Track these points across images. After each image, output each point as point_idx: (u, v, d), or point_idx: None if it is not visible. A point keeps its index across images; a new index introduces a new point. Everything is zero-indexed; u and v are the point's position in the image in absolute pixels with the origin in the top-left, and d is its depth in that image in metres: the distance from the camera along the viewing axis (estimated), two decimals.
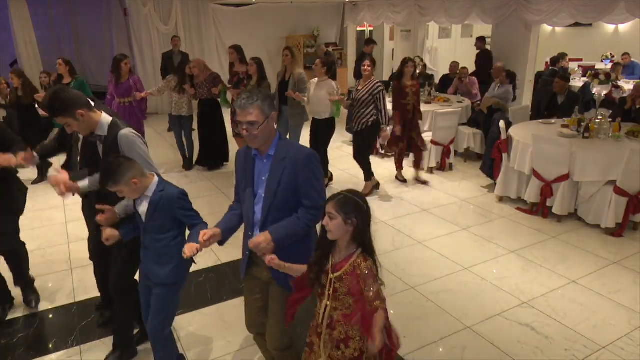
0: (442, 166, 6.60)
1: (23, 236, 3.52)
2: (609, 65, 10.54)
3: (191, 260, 2.51)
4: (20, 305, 3.54)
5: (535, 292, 3.65)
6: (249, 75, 6.09)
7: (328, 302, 1.98)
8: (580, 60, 11.45)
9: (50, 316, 3.48)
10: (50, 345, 3.13)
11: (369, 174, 5.74)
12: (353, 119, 5.56)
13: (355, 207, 1.88)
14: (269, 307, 2.38)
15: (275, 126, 2.24)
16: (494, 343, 3.09)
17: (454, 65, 8.52)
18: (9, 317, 3.43)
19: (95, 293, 3.36)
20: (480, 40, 9.18)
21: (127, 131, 2.58)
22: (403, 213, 5.23)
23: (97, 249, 2.94)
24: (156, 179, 2.43)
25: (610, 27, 11.81)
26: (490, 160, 5.73)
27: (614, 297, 3.58)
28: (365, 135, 5.50)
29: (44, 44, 9.63)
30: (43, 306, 3.56)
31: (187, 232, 2.46)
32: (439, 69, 12.35)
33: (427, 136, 6.57)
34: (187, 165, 6.84)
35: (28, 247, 3.61)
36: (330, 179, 6.12)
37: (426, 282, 3.82)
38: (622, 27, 11.56)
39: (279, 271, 2.10)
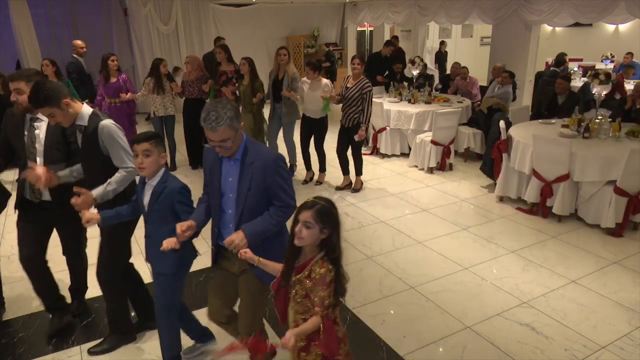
0: (442, 166, 6.60)
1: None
2: (610, 65, 10.57)
3: (194, 252, 2.60)
4: (21, 305, 3.54)
5: (535, 292, 3.65)
6: (238, 74, 6.11)
7: (292, 304, 2.01)
8: (581, 60, 11.45)
9: (50, 316, 3.47)
10: (50, 346, 3.12)
11: (359, 169, 5.90)
12: (343, 116, 5.67)
13: (332, 218, 1.90)
14: (240, 296, 2.45)
15: (243, 130, 2.31)
16: (494, 343, 3.09)
17: (455, 66, 8.54)
18: (9, 317, 3.43)
19: (95, 292, 3.35)
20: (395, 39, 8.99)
21: (107, 122, 2.66)
22: (403, 213, 5.23)
23: (28, 253, 3.03)
24: (163, 170, 2.50)
25: (610, 27, 11.83)
26: (490, 160, 5.73)
27: (614, 297, 3.58)
28: (355, 132, 5.63)
29: (44, 43, 9.63)
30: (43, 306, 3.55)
31: None
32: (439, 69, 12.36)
33: (427, 136, 6.59)
34: (172, 166, 6.73)
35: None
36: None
37: (426, 282, 3.82)
38: (622, 27, 11.58)
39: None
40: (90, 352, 3.02)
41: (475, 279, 3.86)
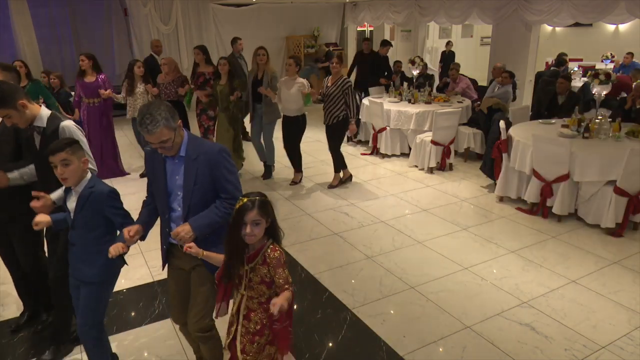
0: (442, 166, 6.60)
1: None
2: (610, 65, 10.55)
3: (122, 260, 2.53)
4: (21, 305, 3.53)
5: (535, 292, 3.65)
6: (216, 75, 6.12)
7: (244, 292, 2.11)
8: (581, 60, 11.45)
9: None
10: (50, 345, 3.12)
11: (339, 166, 6.02)
12: (325, 114, 5.79)
13: (270, 206, 2.01)
14: (192, 290, 2.45)
15: (182, 130, 2.29)
16: (494, 343, 3.09)
17: (455, 67, 8.52)
18: (9, 317, 3.43)
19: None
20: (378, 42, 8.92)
21: (68, 122, 2.68)
22: (403, 213, 5.23)
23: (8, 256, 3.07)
24: (89, 175, 2.43)
25: (610, 27, 11.83)
26: (490, 160, 5.73)
27: (614, 297, 3.58)
28: (336, 129, 5.79)
29: (44, 43, 9.64)
30: None
31: (118, 233, 2.46)
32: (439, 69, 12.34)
33: (427, 136, 6.59)
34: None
35: None
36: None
37: (426, 282, 3.82)
38: (622, 27, 11.57)
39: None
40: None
41: (475, 279, 3.86)
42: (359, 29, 13.13)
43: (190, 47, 10.51)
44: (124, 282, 3.80)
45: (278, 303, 1.83)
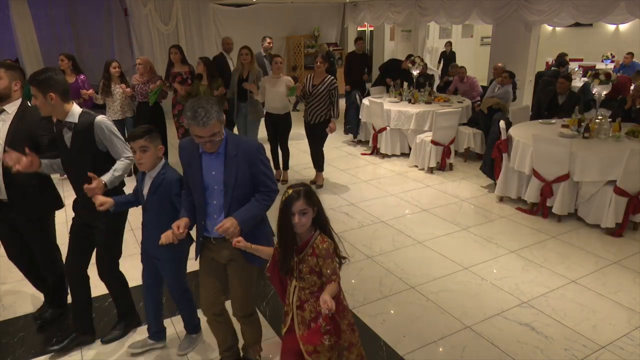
0: (442, 166, 6.60)
1: None
2: (610, 65, 10.55)
3: (189, 238, 2.66)
4: (21, 305, 3.54)
5: (535, 292, 3.66)
6: (192, 75, 6.12)
7: (296, 283, 2.15)
8: (581, 60, 11.45)
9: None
10: (51, 345, 3.12)
11: (322, 165, 6.06)
12: (308, 113, 5.77)
13: (315, 196, 2.07)
14: (231, 282, 2.58)
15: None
16: (494, 343, 3.10)
17: (453, 67, 8.52)
18: (9, 317, 3.43)
19: (96, 292, 3.35)
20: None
21: (101, 117, 2.75)
22: (403, 213, 5.24)
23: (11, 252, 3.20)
24: (162, 162, 2.63)
25: (610, 27, 11.82)
26: (490, 160, 5.73)
27: (614, 297, 3.58)
28: (320, 129, 5.79)
29: (44, 43, 9.63)
30: None
31: None
32: (439, 69, 12.34)
33: (427, 136, 6.59)
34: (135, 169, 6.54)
35: None
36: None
37: (426, 282, 3.82)
38: (623, 27, 11.57)
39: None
40: (104, 341, 3.11)
41: (475, 279, 3.86)
42: (359, 29, 13.13)
43: (190, 47, 10.53)
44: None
45: (327, 302, 1.89)
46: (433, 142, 6.43)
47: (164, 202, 2.58)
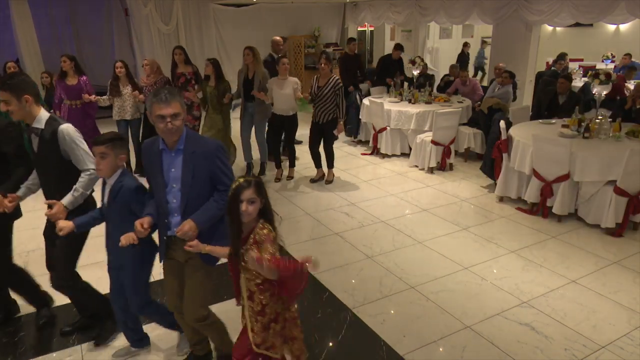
0: (443, 166, 6.60)
1: (24, 235, 3.51)
2: (610, 65, 10.54)
3: (152, 246, 2.66)
4: (21, 305, 3.54)
5: (535, 292, 3.66)
6: (196, 76, 6.12)
7: (242, 274, 2.17)
8: (581, 60, 11.44)
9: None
10: (51, 345, 3.13)
11: (319, 163, 6.21)
12: (316, 113, 5.89)
13: (264, 187, 2.11)
14: (185, 283, 2.55)
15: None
16: (494, 342, 3.10)
17: (454, 67, 8.52)
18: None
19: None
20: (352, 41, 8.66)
21: (66, 125, 2.73)
22: (403, 213, 5.24)
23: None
24: (120, 170, 2.59)
25: (610, 27, 11.82)
26: (490, 160, 5.73)
27: (614, 297, 3.58)
28: (329, 128, 5.92)
29: (45, 43, 9.64)
30: None
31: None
32: (440, 69, 12.36)
33: (427, 136, 6.59)
34: (139, 170, 6.31)
35: (29, 246, 3.60)
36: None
37: (426, 282, 3.82)
38: (623, 27, 11.57)
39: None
40: (97, 343, 3.09)
41: (475, 279, 3.87)
42: (359, 29, 13.13)
43: (191, 47, 10.52)
44: None
45: (252, 256, 1.93)
46: (433, 142, 6.43)
47: (124, 210, 2.55)
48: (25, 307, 3.51)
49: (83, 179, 2.73)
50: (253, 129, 6.29)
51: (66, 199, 2.66)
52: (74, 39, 10.80)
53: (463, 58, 12.15)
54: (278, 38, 7.49)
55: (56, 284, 2.96)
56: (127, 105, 6.09)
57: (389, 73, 8.53)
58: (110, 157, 2.51)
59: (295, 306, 2.27)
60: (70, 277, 2.93)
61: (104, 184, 2.62)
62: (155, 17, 10.15)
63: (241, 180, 2.06)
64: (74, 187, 2.71)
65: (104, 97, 6.09)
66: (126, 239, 2.34)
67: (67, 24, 10.58)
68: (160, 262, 2.63)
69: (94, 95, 6.02)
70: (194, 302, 2.52)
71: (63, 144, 2.70)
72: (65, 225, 2.51)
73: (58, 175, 2.73)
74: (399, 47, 8.74)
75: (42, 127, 2.70)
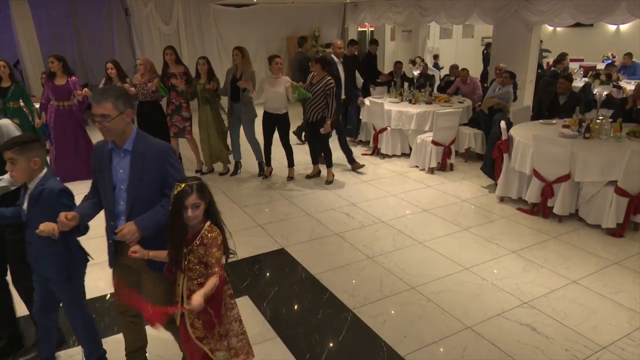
0: (443, 166, 6.60)
1: None
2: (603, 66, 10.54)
3: (84, 256, 2.59)
4: (21, 305, 3.53)
5: (536, 293, 3.65)
6: (187, 75, 6.16)
7: (184, 274, 2.18)
8: (582, 60, 11.43)
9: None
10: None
11: (315, 159, 6.37)
12: (307, 110, 5.96)
13: (207, 189, 2.11)
14: (144, 293, 2.43)
15: (134, 123, 2.36)
16: (495, 343, 3.09)
17: (454, 68, 8.51)
18: None
19: (95, 293, 3.36)
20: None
21: (5, 121, 2.69)
22: (404, 213, 5.23)
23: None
24: (42, 174, 2.43)
25: (611, 28, 11.81)
26: (491, 160, 5.73)
27: (615, 297, 3.58)
28: (319, 126, 5.93)
29: (45, 43, 9.63)
30: None
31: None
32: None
33: (428, 136, 6.59)
34: None
35: None
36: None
37: (426, 282, 3.82)
38: (623, 27, 11.56)
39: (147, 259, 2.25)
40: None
41: (475, 279, 3.86)
42: (359, 29, 13.13)
43: (191, 47, 10.54)
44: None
45: (196, 299, 1.93)
46: (434, 142, 6.42)
47: (47, 215, 2.33)
48: (24, 308, 3.50)
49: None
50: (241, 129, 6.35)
51: None
52: (74, 39, 10.78)
53: (486, 57, 11.98)
54: (340, 40, 7.30)
55: None
56: None
57: (372, 68, 8.61)
58: (21, 162, 2.33)
59: (234, 301, 2.32)
60: None
61: (25, 190, 2.46)
62: (156, 17, 10.15)
63: (182, 185, 2.04)
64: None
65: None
66: (46, 226, 2.20)
67: (67, 24, 10.56)
68: (110, 267, 2.52)
69: (86, 89, 6.03)
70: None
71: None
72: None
73: None
74: (373, 42, 9.02)
75: None
